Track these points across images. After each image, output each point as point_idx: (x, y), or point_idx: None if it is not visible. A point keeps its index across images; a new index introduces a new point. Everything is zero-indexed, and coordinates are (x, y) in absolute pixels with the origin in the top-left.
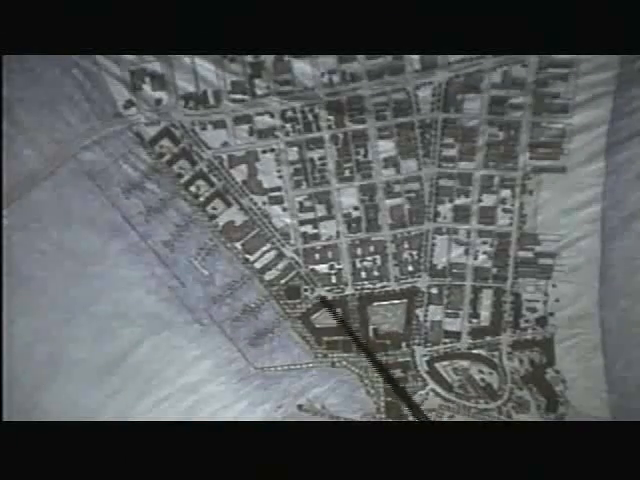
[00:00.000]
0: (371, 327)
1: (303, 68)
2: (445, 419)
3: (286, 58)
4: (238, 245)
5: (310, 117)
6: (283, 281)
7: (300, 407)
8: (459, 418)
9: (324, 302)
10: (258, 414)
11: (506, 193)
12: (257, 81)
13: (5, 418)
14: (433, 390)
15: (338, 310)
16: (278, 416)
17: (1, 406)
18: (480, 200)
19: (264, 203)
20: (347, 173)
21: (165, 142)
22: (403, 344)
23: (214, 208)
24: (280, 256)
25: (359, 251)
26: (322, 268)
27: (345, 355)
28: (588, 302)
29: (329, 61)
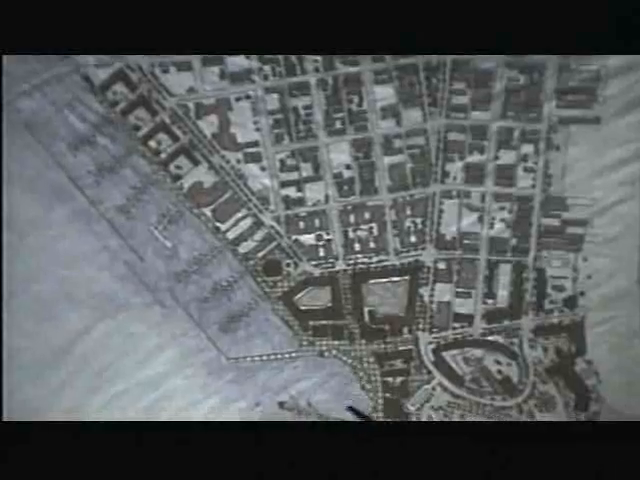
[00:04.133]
0: (367, 309)
1: None
2: (455, 418)
3: None
4: (207, 211)
5: (293, 58)
6: (261, 254)
7: (282, 405)
8: (471, 417)
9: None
10: (231, 413)
11: (528, 149)
12: None
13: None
14: (441, 384)
15: (327, 289)
16: (255, 415)
17: (1, 406)
18: (497, 157)
19: (238, 161)
20: (338, 125)
21: (119, 87)
22: (405, 329)
23: (178, 167)
24: (257, 224)
25: (352, 218)
26: (308, 239)
27: (336, 343)
28: (626, 279)
29: None
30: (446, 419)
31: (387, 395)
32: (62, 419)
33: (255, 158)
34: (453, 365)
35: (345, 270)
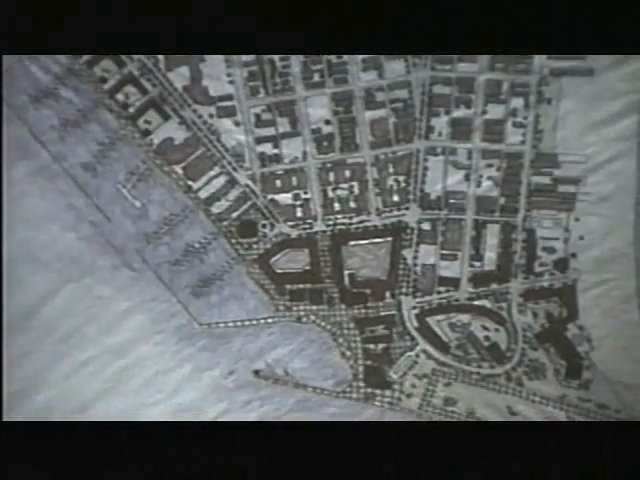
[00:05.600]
0: (347, 272)
1: None
2: (440, 387)
3: None
4: (178, 169)
5: None
6: (235, 214)
7: (257, 373)
8: (457, 386)
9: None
10: (204, 381)
11: (517, 103)
12: None
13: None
14: (425, 351)
15: (305, 251)
16: (229, 384)
17: (1, 406)
18: (485, 112)
19: (211, 115)
20: (316, 77)
21: None
22: (387, 294)
23: (147, 122)
24: (231, 183)
25: (331, 177)
26: (285, 198)
27: (314, 308)
28: (620, 240)
29: None
30: (430, 387)
31: (368, 362)
32: (62, 419)
33: (229, 112)
34: (438, 331)
35: (324, 231)
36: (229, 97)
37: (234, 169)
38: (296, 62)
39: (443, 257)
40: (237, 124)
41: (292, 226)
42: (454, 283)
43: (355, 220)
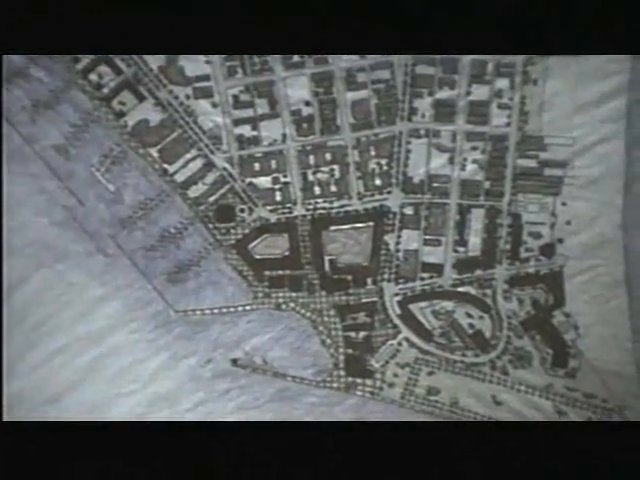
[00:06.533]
0: (327, 258)
1: None
2: (423, 376)
3: None
4: (154, 152)
5: None
6: (213, 199)
7: (235, 362)
8: (440, 375)
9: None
10: (180, 370)
11: (503, 83)
12: None
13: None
14: (407, 339)
15: (284, 236)
16: (206, 372)
17: (1, 406)
18: (469, 93)
19: (187, 97)
20: (296, 57)
21: None
22: (369, 280)
23: (122, 103)
24: (209, 166)
25: (311, 160)
26: (263, 182)
27: (294, 295)
28: (608, 224)
29: None
30: (413, 377)
31: (349, 351)
32: (62, 419)
33: (206, 93)
34: (421, 318)
35: (304, 216)
36: (206, 77)
37: (211, 152)
38: None
39: (426, 242)
40: (214, 105)
41: (271, 210)
42: (438, 269)
43: (336, 204)
